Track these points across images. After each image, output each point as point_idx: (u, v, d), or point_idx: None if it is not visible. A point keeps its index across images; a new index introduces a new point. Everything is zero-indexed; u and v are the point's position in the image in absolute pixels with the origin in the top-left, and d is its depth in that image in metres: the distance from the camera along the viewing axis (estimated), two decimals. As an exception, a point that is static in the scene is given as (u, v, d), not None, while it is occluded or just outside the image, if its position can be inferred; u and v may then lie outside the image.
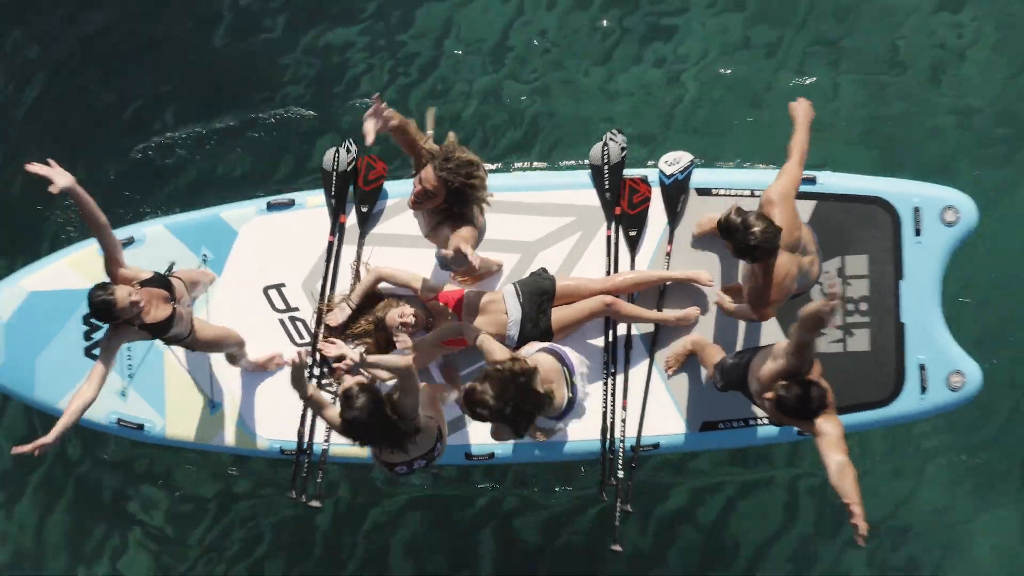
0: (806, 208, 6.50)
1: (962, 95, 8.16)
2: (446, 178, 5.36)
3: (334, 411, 5.44)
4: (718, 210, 6.22)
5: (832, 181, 6.64)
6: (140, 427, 6.77)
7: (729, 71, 8.19)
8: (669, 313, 6.57)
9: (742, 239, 5.28)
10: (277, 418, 6.72)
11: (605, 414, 6.57)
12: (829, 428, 5.39)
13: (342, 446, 6.02)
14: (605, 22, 8.27)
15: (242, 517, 8.09)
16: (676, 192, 6.62)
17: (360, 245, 6.75)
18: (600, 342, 6.65)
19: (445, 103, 8.08)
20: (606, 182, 6.62)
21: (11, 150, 8.41)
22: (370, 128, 5.27)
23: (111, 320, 5.55)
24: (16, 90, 8.53)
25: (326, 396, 5.82)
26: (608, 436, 6.57)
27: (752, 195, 6.57)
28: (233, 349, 6.43)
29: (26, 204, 8.34)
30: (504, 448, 6.58)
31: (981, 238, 7.16)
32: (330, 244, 6.73)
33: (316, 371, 6.61)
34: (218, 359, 6.67)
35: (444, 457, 5.97)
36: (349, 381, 5.32)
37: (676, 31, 8.22)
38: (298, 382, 5.42)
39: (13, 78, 8.54)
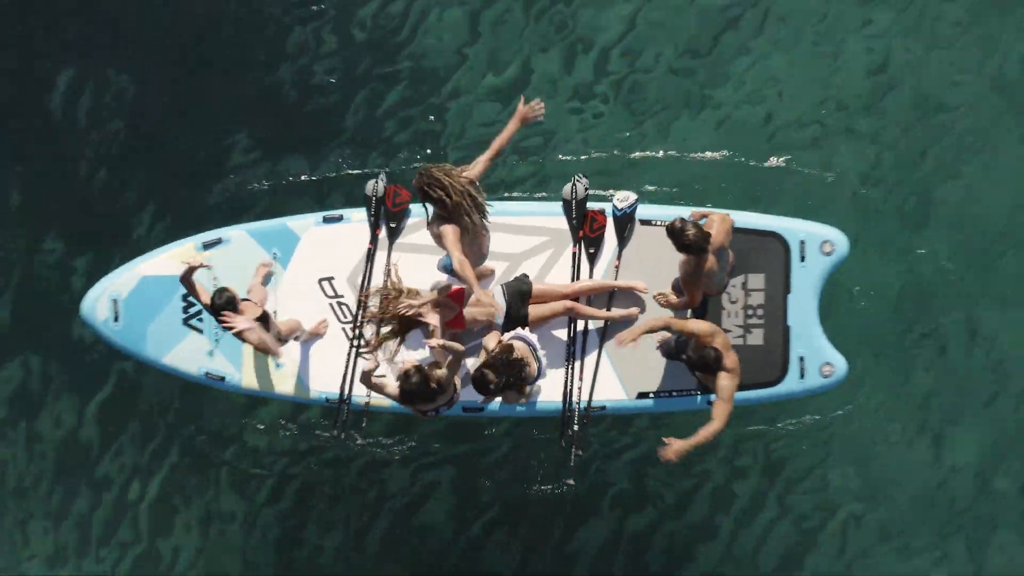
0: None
1: (838, 156, 10.53)
2: (416, 183, 7.83)
3: (393, 387, 8.00)
4: (657, 236, 8.62)
5: (742, 218, 8.92)
6: (222, 379, 9.10)
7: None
8: (616, 311, 8.89)
9: (680, 238, 7.72)
10: (325, 375, 9.05)
11: (566, 384, 8.87)
12: (724, 383, 7.91)
13: (377, 398, 8.44)
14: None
15: (290, 458, 10.51)
16: (624, 222, 8.93)
17: (389, 251, 9.05)
18: (564, 333, 8.96)
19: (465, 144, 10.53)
20: (573, 212, 8.93)
21: (118, 166, 10.85)
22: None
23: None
24: (126, 111, 10.96)
25: (384, 380, 8.16)
26: (568, 400, 8.87)
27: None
28: (299, 332, 8.85)
29: (122, 205, 10.78)
30: (492, 405, 8.90)
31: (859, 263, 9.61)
32: (369, 250, 9.03)
33: (356, 342, 8.94)
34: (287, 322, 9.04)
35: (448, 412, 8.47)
36: (407, 364, 7.90)
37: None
38: (366, 381, 8.04)
39: (125, 97, 10.95)
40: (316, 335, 9.02)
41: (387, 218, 9.04)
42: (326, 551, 10.55)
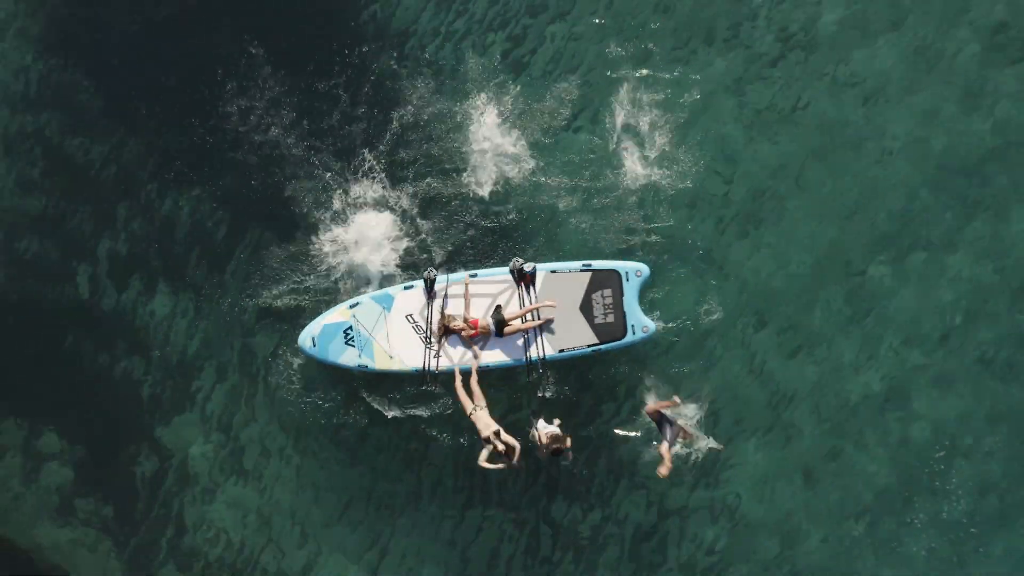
0: (586, 276, 19.03)
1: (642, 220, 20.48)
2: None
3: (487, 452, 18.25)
4: (555, 280, 18.98)
5: (599, 263, 19.09)
6: (366, 367, 19.48)
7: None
8: (536, 304, 18.91)
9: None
10: (413, 359, 19.38)
11: (527, 350, 19.05)
12: (664, 448, 18.13)
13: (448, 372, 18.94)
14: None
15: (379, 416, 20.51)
16: (534, 274, 19.10)
17: (431, 302, 19.26)
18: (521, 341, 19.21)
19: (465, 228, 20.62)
20: (516, 275, 19.08)
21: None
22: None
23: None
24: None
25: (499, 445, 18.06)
26: (528, 357, 19.06)
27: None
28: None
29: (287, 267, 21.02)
30: (485, 362, 19.14)
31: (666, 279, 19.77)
32: (427, 303, 19.36)
33: (427, 343, 19.20)
34: (407, 335, 19.33)
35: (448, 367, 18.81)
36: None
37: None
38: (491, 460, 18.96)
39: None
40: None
41: (429, 288, 19.32)
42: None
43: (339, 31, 21.02)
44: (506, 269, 19.22)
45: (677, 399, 18.76)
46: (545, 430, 18.28)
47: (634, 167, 20.06)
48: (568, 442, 18.15)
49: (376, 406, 20.00)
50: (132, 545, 20.79)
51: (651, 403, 18.98)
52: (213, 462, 20.72)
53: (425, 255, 20.22)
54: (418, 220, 20.29)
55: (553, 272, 19.17)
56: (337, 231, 20.24)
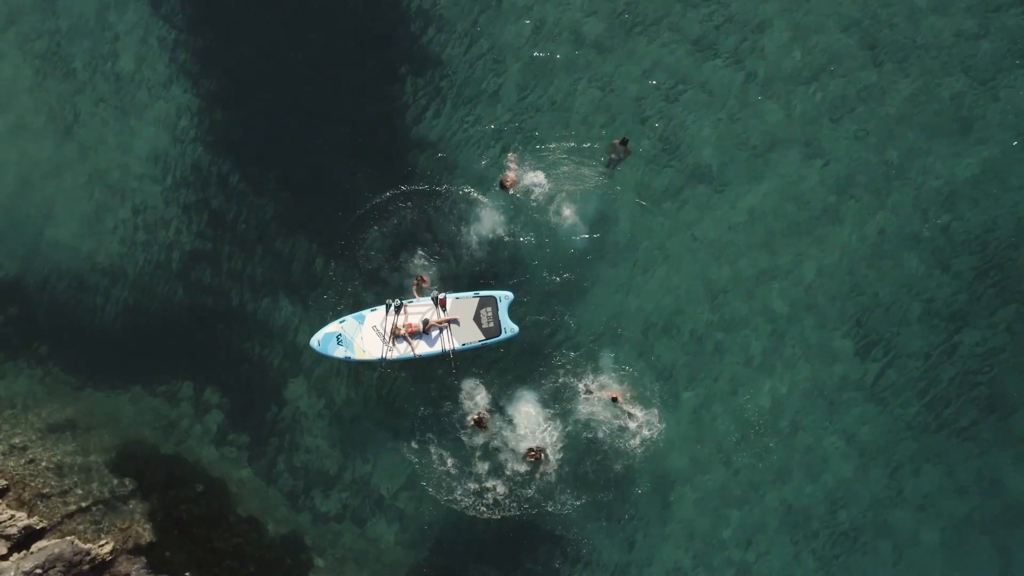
0: (476, 299, 32.94)
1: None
2: None
3: None
4: (457, 303, 32.47)
5: (485, 292, 33.04)
6: (348, 358, 33.24)
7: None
8: (446, 316, 32.84)
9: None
10: (377, 353, 33.22)
11: (443, 346, 32.70)
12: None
13: (398, 360, 32.73)
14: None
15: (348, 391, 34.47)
16: (445, 300, 32.83)
17: (387, 319, 32.97)
18: (438, 332, 32.87)
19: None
20: (436, 300, 33.02)
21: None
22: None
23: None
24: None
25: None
26: (444, 349, 32.82)
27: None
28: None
29: (322, 275, 34.67)
30: (418, 352, 32.78)
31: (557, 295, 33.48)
32: (385, 318, 33.08)
33: (386, 341, 32.76)
34: (370, 340, 32.84)
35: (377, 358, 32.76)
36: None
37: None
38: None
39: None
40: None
41: (387, 310, 33.07)
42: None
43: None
44: (429, 297, 33.01)
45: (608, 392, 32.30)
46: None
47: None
48: (543, 455, 32.03)
49: (370, 376, 33.89)
50: (262, 463, 35.00)
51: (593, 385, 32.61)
52: (311, 409, 34.80)
53: (382, 288, 33.97)
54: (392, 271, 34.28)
55: (456, 298, 32.95)
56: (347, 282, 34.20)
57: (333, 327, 33.29)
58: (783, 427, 33.02)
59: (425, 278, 33.55)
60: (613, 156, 33.16)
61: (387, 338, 32.69)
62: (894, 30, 34.69)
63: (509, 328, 32.73)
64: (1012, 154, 33.55)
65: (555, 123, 34.81)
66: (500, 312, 32.75)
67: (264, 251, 35.38)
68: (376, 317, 33.20)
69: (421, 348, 32.76)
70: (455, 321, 32.83)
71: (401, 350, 32.70)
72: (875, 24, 34.80)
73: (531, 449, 31.99)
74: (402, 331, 32.51)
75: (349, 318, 33.32)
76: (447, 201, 34.45)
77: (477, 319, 32.69)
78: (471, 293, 32.96)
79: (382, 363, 32.99)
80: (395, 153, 35.14)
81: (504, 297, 32.98)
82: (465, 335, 32.82)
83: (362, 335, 33.03)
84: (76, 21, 37.43)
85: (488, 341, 32.74)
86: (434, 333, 32.76)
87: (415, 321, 32.70)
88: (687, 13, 35.10)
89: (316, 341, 33.20)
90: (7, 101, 37.32)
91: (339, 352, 33.07)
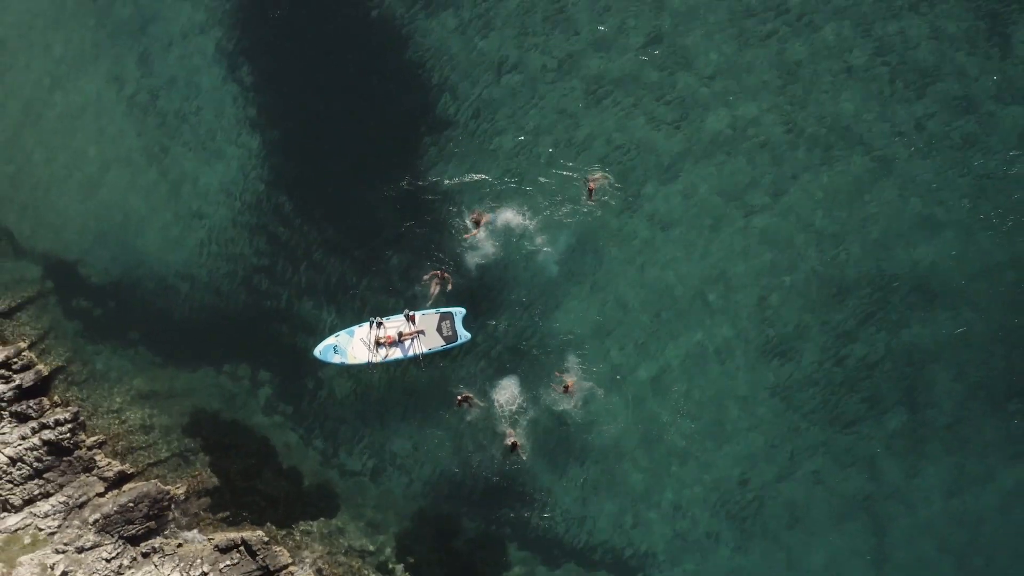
0: (438, 314, 43.14)
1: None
2: None
3: None
4: (424, 318, 42.61)
5: (446, 309, 43.12)
6: (343, 361, 43.50)
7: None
8: (416, 328, 42.98)
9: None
10: (364, 358, 43.36)
11: (415, 350, 42.79)
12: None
13: (381, 363, 43.25)
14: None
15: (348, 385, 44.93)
16: (415, 316, 43.00)
17: (371, 332, 43.13)
18: (411, 339, 43.05)
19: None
20: (407, 316, 43.01)
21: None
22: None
23: None
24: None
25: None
26: (415, 353, 42.94)
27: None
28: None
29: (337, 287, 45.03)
30: (394, 356, 43.08)
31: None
32: (370, 331, 43.38)
33: (374, 348, 43.01)
34: (359, 348, 42.99)
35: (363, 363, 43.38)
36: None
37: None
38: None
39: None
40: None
41: (371, 325, 43.19)
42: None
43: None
44: (402, 315, 42.88)
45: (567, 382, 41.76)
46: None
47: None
48: (520, 443, 41.73)
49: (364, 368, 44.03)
50: (301, 429, 45.13)
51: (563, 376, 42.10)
52: (340, 390, 44.71)
53: (369, 305, 44.04)
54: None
55: (423, 314, 42.82)
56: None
57: (330, 340, 43.25)
58: (706, 415, 42.69)
59: (486, 215, 43.05)
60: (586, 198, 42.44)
61: (372, 346, 42.50)
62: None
63: (463, 335, 42.61)
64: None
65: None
66: (456, 323, 42.59)
67: (308, 265, 45.48)
68: (363, 331, 43.08)
69: (396, 353, 42.73)
70: (422, 332, 42.65)
71: (383, 355, 42.49)
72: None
73: (510, 431, 42.04)
74: (383, 340, 42.30)
75: (342, 332, 43.31)
76: (447, 235, 44.17)
77: (439, 329, 42.49)
78: (434, 310, 42.74)
79: (370, 366, 42.78)
80: (411, 198, 44.79)
81: (459, 312, 42.81)
82: (430, 342, 42.76)
83: (352, 345, 42.93)
84: (169, 81, 47.81)
85: (448, 346, 42.70)
86: (407, 342, 42.65)
87: (392, 333, 42.61)
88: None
89: (318, 351, 43.16)
90: (118, 143, 48.06)
91: (336, 359, 42.99)
